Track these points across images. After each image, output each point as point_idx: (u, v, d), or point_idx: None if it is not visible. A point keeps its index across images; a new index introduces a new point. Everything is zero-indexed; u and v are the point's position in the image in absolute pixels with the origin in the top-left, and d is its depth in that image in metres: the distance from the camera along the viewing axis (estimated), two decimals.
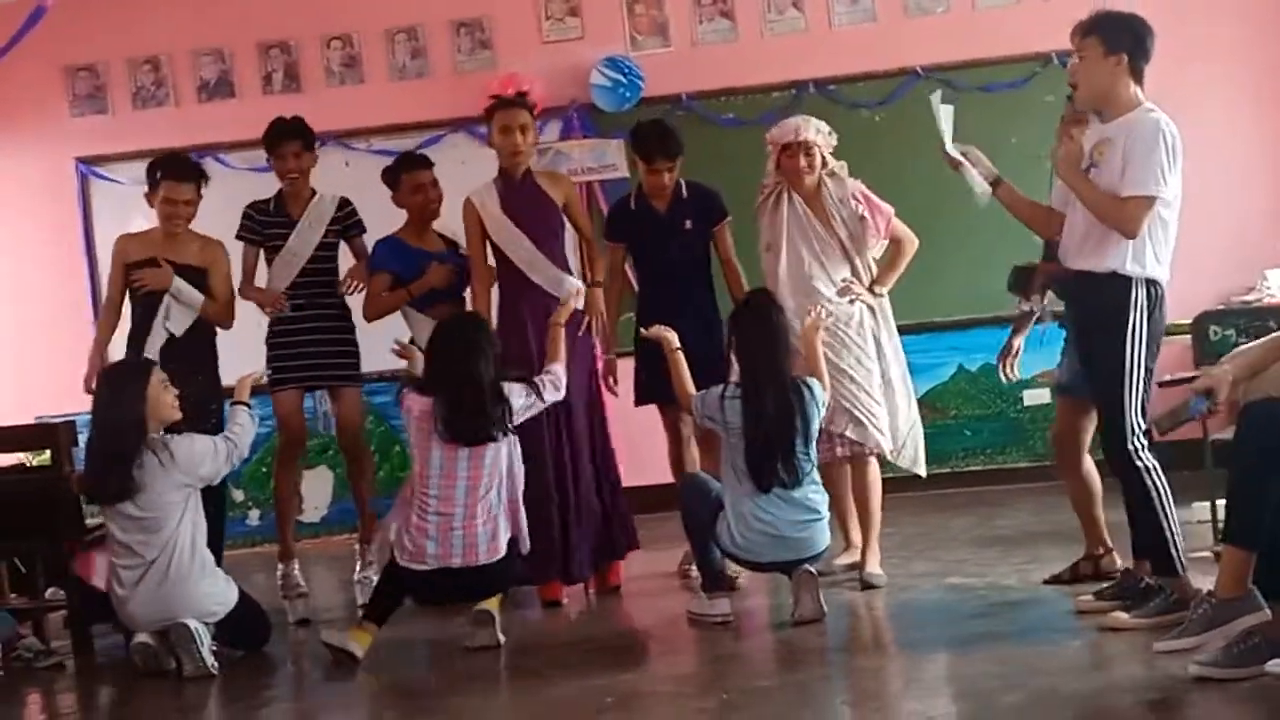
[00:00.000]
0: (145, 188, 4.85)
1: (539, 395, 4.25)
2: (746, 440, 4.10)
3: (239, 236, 4.94)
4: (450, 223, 4.99)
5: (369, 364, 5.13)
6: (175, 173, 4.77)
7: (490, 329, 4.34)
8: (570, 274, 4.83)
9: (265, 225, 4.92)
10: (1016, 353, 4.56)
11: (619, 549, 4.83)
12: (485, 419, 4.06)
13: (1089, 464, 4.22)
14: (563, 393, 4.35)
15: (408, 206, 4.91)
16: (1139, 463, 3.70)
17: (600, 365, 4.93)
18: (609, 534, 4.78)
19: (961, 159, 4.04)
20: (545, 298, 4.70)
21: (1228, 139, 6.15)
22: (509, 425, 4.13)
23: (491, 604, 4.14)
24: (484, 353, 4.12)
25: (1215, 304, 5.86)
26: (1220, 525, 3.84)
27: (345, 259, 5.05)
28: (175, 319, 4.75)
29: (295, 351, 4.85)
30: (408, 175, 4.88)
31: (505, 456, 4.17)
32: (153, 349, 4.70)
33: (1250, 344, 3.50)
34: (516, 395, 4.20)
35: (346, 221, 4.97)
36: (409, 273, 4.81)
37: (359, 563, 5.00)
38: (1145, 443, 3.71)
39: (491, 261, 4.78)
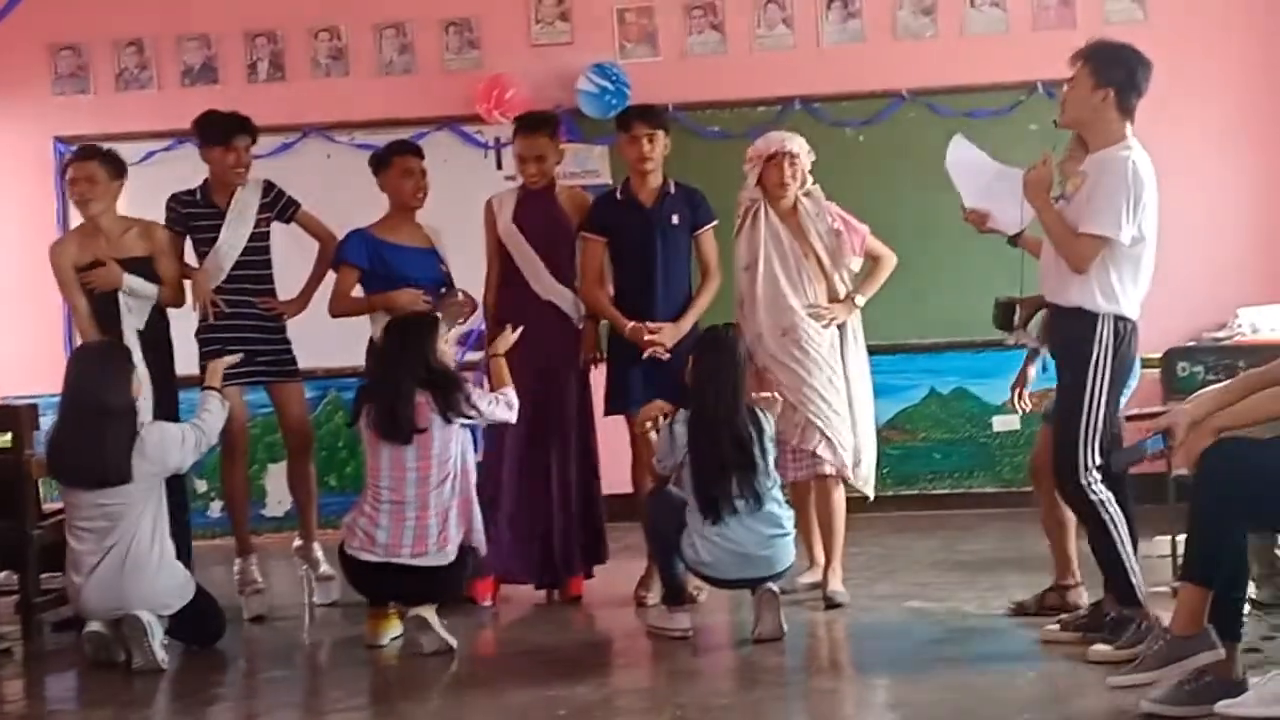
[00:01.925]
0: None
1: (495, 411, 4.28)
2: (693, 474, 4.11)
3: (166, 226, 4.90)
4: (432, 222, 4.95)
5: (335, 360, 5.09)
6: (76, 153, 4.82)
7: (429, 325, 4.28)
8: (575, 292, 4.79)
9: (191, 217, 4.88)
10: (1029, 382, 4.45)
11: (592, 560, 4.81)
12: (394, 419, 4.09)
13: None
14: (514, 415, 4.34)
15: (394, 191, 4.83)
16: (1092, 496, 3.71)
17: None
18: (585, 544, 4.77)
19: (985, 213, 4.01)
20: (548, 307, 4.71)
21: (1204, 175, 6.19)
22: (464, 413, 4.13)
23: (426, 608, 4.10)
24: (407, 355, 4.15)
25: (1187, 340, 5.88)
26: (1180, 561, 3.83)
27: (283, 249, 5.00)
28: (134, 313, 4.71)
29: (235, 350, 4.71)
30: (400, 158, 4.83)
31: (456, 449, 4.17)
32: (134, 352, 4.60)
33: (1216, 385, 3.51)
34: (479, 397, 4.22)
35: (277, 203, 4.91)
36: (379, 268, 4.76)
37: (307, 564, 4.96)
38: (1099, 476, 3.70)
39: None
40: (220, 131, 4.85)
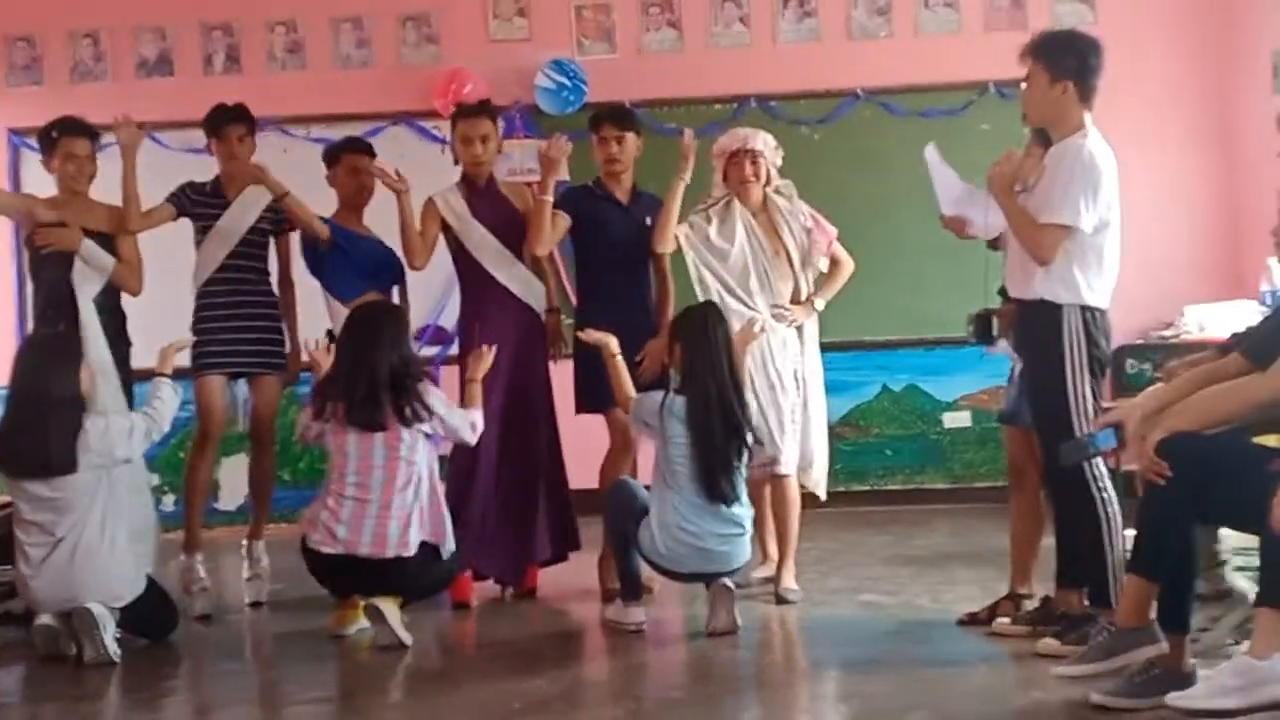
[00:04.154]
0: (41, 156, 4.82)
1: (459, 424, 4.25)
2: (696, 455, 4.10)
3: (166, 199, 4.85)
4: (387, 217, 4.89)
5: None
6: (72, 129, 4.74)
7: (402, 319, 4.30)
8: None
9: (197, 203, 4.86)
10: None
11: (567, 547, 4.82)
12: (377, 406, 4.07)
13: (1042, 496, 4.09)
14: (475, 438, 4.32)
15: (341, 188, 4.86)
16: (1095, 492, 3.65)
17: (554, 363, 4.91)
18: (549, 537, 4.77)
19: (964, 219, 4.05)
20: (510, 299, 4.71)
21: (1152, 174, 6.27)
22: (416, 417, 4.11)
23: (386, 600, 4.09)
24: (383, 341, 4.13)
25: (1134, 338, 5.98)
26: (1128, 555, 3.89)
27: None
28: (84, 284, 4.63)
29: (223, 337, 4.75)
30: (349, 156, 4.85)
31: (423, 457, 4.16)
32: (90, 326, 4.57)
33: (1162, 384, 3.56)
34: (435, 398, 4.20)
35: (281, 213, 4.88)
36: (346, 246, 4.75)
37: (247, 561, 4.90)
38: (1105, 470, 3.67)
39: (447, 265, 4.78)
40: (212, 121, 4.88)
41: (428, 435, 4.22)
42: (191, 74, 6.65)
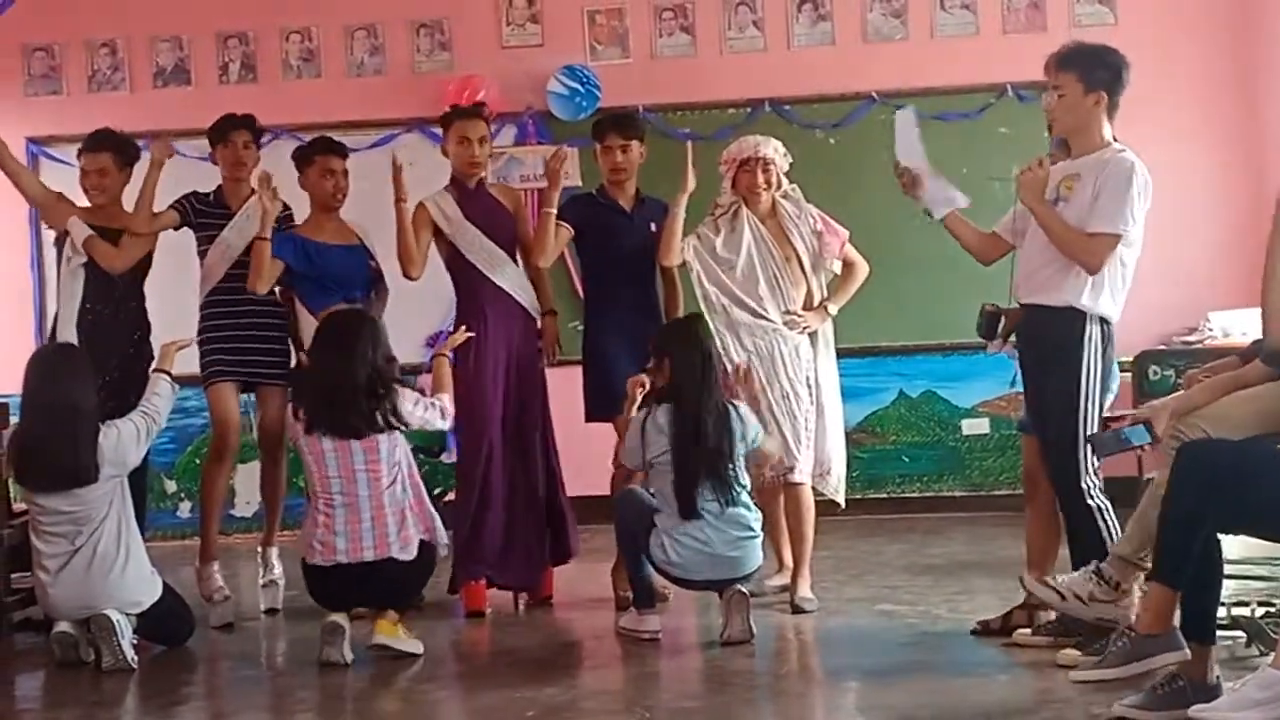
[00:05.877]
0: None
1: (430, 416, 4.20)
2: (675, 466, 4.09)
3: (171, 206, 4.88)
4: (361, 220, 4.93)
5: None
6: (88, 144, 4.87)
7: (377, 325, 4.23)
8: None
9: (200, 213, 4.88)
10: None
11: (558, 556, 4.81)
12: (354, 413, 4.02)
13: (1057, 505, 4.05)
14: (449, 423, 4.31)
15: (313, 190, 4.82)
16: (1090, 502, 3.69)
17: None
18: (550, 543, 4.77)
19: (916, 174, 4.02)
20: (508, 301, 4.70)
21: (1174, 179, 6.18)
22: (391, 423, 4.06)
23: (386, 631, 4.03)
24: (357, 347, 4.06)
25: (1157, 344, 5.93)
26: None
27: None
28: (71, 260, 4.77)
29: (232, 347, 4.77)
30: (321, 157, 4.80)
31: (404, 452, 4.13)
32: (66, 325, 4.69)
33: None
34: (409, 400, 4.14)
35: (283, 227, 4.87)
36: (308, 269, 4.70)
37: (262, 568, 4.91)
38: (1098, 481, 3.70)
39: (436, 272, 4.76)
40: (217, 128, 4.91)
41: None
42: (207, 83, 6.70)
